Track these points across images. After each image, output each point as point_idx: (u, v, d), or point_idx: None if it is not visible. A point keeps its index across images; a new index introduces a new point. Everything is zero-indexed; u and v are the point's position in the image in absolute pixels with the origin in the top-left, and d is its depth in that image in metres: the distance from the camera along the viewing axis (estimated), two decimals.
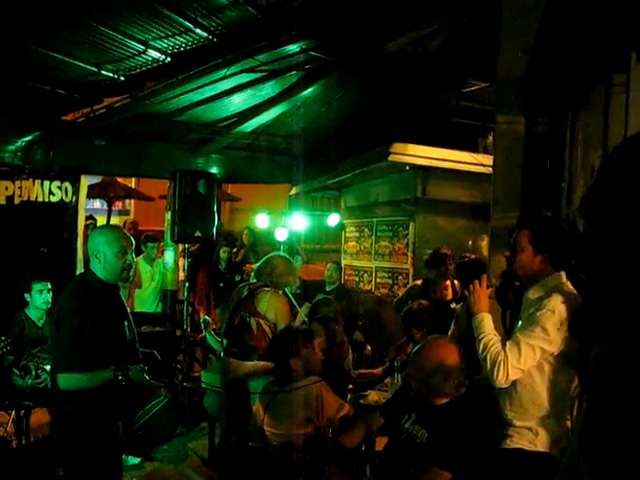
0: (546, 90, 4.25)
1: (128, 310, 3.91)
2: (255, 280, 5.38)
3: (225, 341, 5.41)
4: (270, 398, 3.88)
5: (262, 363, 5.03)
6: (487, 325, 3.09)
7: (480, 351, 3.03)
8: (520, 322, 3.12)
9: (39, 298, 5.50)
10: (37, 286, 5.50)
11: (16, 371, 5.20)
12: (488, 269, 4.56)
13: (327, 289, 7.64)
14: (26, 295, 5.52)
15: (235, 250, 9.52)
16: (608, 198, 1.09)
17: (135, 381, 3.55)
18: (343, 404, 4.09)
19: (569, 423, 3.08)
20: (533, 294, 3.12)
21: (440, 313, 5.29)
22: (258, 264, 5.47)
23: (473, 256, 5.71)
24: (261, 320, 5.09)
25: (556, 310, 2.92)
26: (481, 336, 3.06)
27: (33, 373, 5.22)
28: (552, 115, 4.33)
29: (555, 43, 3.91)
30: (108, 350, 3.47)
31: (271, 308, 5.11)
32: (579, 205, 1.24)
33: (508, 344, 2.97)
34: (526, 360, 2.93)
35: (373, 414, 3.63)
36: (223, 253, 8.83)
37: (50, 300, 5.44)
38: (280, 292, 5.35)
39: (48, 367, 4.89)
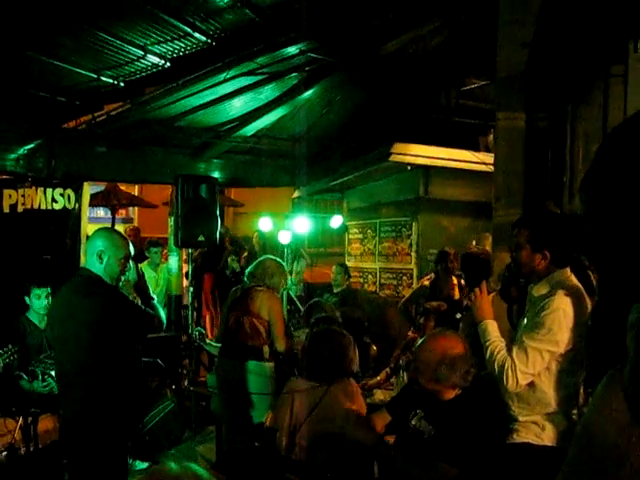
0: (545, 85, 4.25)
1: None
2: (248, 282, 5.41)
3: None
4: (319, 398, 3.81)
5: (260, 363, 5.07)
6: (492, 332, 3.09)
7: (487, 358, 3.03)
8: (525, 320, 3.11)
9: (37, 303, 5.51)
10: (36, 291, 5.51)
11: (24, 375, 5.22)
12: (492, 268, 4.55)
13: (334, 291, 7.65)
14: (26, 297, 5.55)
15: (246, 255, 9.50)
16: (608, 178, 1.09)
17: None
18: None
19: (575, 417, 3.07)
20: (538, 291, 3.10)
21: (448, 311, 5.30)
22: (250, 267, 5.50)
23: (480, 247, 5.72)
24: (254, 319, 5.12)
25: (560, 309, 2.91)
26: (487, 343, 3.06)
27: (39, 378, 5.24)
28: (552, 110, 4.33)
29: (553, 37, 3.91)
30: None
31: (264, 307, 5.15)
32: (579, 188, 1.24)
33: (515, 349, 2.95)
34: (534, 365, 2.93)
35: (380, 411, 3.63)
36: (232, 262, 8.81)
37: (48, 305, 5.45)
38: (274, 292, 5.38)
39: (54, 372, 4.89)
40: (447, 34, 6.49)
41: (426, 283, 6.80)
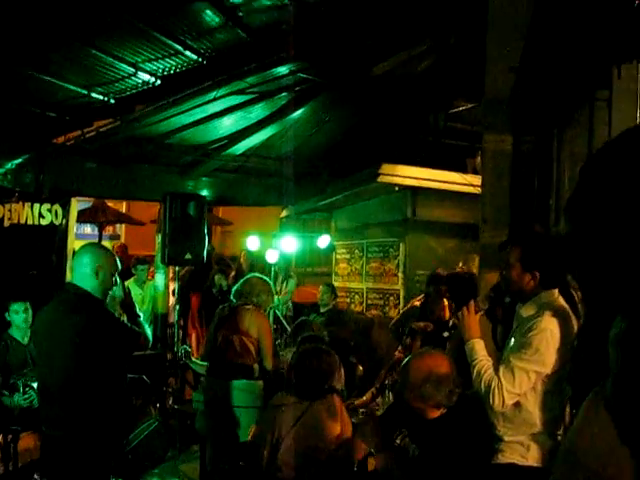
0: (532, 108, 4.29)
1: None
2: (235, 300, 5.40)
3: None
4: (301, 413, 3.82)
5: (251, 382, 5.05)
6: (479, 351, 3.10)
7: (474, 377, 3.04)
8: (512, 340, 3.12)
9: (16, 318, 5.53)
10: (14, 307, 5.52)
11: (5, 392, 5.16)
12: (478, 289, 4.56)
13: (321, 310, 7.65)
14: (6, 314, 5.53)
15: (234, 274, 9.45)
16: (591, 198, 1.11)
17: None
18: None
19: (561, 438, 3.07)
20: (525, 311, 3.12)
21: (438, 333, 5.30)
22: (237, 285, 5.51)
23: (465, 268, 5.73)
24: (244, 338, 5.11)
25: (548, 329, 2.92)
26: (474, 362, 3.07)
27: (21, 390, 5.18)
28: (539, 133, 4.37)
29: (540, 61, 3.97)
30: None
31: (253, 325, 5.17)
32: (564, 208, 1.26)
33: (502, 369, 2.96)
34: (521, 385, 2.94)
35: None
36: (219, 280, 8.77)
37: (30, 319, 5.41)
38: (262, 310, 5.38)
39: (35, 385, 4.85)
40: (435, 57, 6.55)
41: (417, 304, 6.80)
